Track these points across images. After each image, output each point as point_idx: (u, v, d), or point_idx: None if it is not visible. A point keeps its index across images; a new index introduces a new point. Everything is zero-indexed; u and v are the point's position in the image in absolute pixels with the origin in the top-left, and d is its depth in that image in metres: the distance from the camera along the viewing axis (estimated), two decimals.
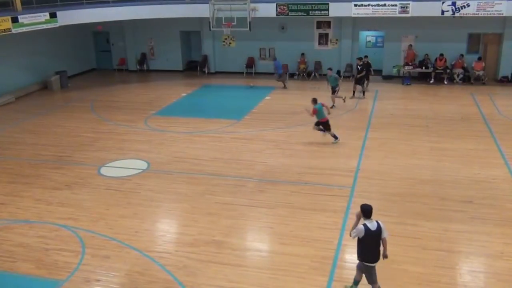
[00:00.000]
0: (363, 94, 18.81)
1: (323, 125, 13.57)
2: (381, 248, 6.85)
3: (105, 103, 19.20)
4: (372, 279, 6.91)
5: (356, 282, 7.21)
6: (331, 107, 17.12)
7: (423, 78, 21.27)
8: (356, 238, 6.72)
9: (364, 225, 6.63)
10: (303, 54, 22.42)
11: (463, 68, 20.81)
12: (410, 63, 21.20)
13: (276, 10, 20.41)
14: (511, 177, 11.26)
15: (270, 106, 18.11)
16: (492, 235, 8.78)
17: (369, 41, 23.73)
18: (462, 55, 20.77)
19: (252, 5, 20.01)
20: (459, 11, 18.77)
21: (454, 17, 19.16)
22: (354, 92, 18.80)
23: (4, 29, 16.62)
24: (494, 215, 9.52)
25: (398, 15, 19.36)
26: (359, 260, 6.91)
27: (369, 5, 19.40)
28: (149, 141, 14.41)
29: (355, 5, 19.53)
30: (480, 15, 18.77)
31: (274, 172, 11.89)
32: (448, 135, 14.17)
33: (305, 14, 20.29)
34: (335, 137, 13.63)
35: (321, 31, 22.47)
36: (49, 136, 15.18)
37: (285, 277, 7.74)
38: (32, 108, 18.60)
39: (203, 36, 23.70)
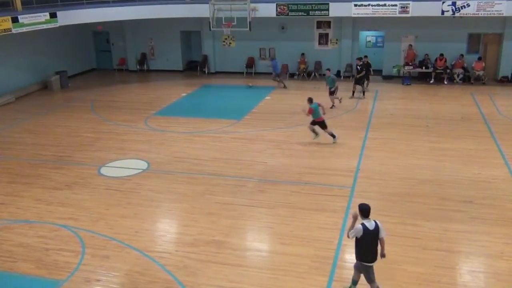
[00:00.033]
0: (363, 94, 18.81)
1: (320, 125, 13.55)
2: (379, 247, 6.85)
3: (105, 103, 19.20)
4: (370, 279, 6.92)
5: (355, 282, 7.22)
6: (331, 107, 17.15)
7: (423, 78, 21.27)
8: (354, 238, 6.72)
9: (362, 224, 6.64)
10: (303, 54, 22.42)
11: (463, 68, 20.81)
12: (410, 63, 21.20)
13: (276, 10, 20.42)
14: (511, 177, 11.26)
15: (270, 106, 18.11)
16: (492, 235, 8.78)
17: (369, 41, 23.73)
18: (462, 55, 20.78)
19: (252, 5, 20.02)
20: (459, 11, 18.77)
21: (454, 17, 19.16)
22: (353, 92, 18.79)
23: (4, 29, 16.63)
24: (494, 215, 9.52)
25: (398, 15, 19.37)
26: (357, 260, 6.92)
27: (369, 5, 19.40)
28: (149, 141, 14.42)
29: (355, 5, 19.54)
30: (480, 15, 18.77)
31: (274, 172, 11.89)
32: (448, 135, 14.17)
33: (305, 14, 20.30)
34: (333, 136, 13.61)
35: (321, 31, 22.48)
36: (49, 136, 15.19)
37: (285, 277, 7.74)
38: (32, 108, 18.61)
39: (203, 36, 23.71)
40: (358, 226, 6.64)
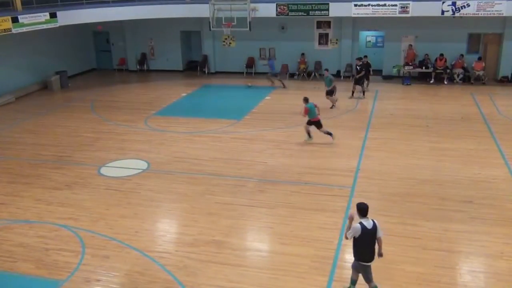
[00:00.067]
0: (363, 94, 18.81)
1: (315, 125, 13.54)
2: (376, 246, 6.86)
3: (105, 103, 19.20)
4: (368, 278, 6.95)
5: (354, 282, 7.22)
6: (331, 108, 17.15)
7: (423, 78, 21.27)
8: (352, 237, 6.72)
9: (360, 223, 6.65)
10: (303, 54, 22.42)
11: (463, 68, 20.81)
12: (410, 63, 21.20)
13: (276, 10, 20.42)
14: (511, 177, 11.26)
15: (270, 106, 18.11)
16: (492, 235, 8.78)
17: (369, 41, 23.74)
18: (462, 55, 20.78)
19: (252, 5, 20.02)
20: (459, 11, 18.77)
21: (454, 17, 19.16)
22: (353, 92, 18.79)
23: (4, 29, 16.63)
24: (494, 215, 9.53)
25: (398, 15, 19.37)
26: (355, 259, 6.93)
27: (369, 5, 19.41)
28: (149, 141, 14.42)
29: (355, 5, 19.54)
30: (480, 15, 18.77)
31: (274, 172, 11.89)
32: (448, 135, 14.18)
33: (305, 14, 20.30)
34: (329, 134, 13.59)
35: (321, 31, 22.48)
36: (49, 136, 15.19)
37: (285, 277, 7.74)
38: (32, 108, 18.61)
39: (203, 36, 23.71)
40: (356, 225, 6.64)
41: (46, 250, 8.69)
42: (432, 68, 20.89)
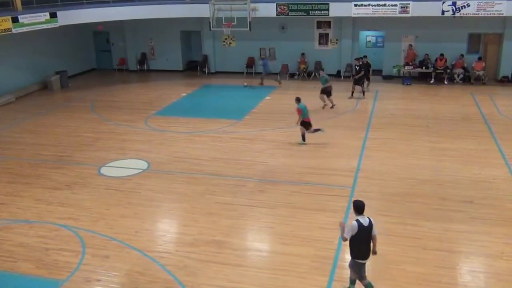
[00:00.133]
0: (363, 94, 18.80)
1: (305, 125, 13.52)
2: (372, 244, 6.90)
3: (105, 103, 19.20)
4: (361, 276, 6.98)
5: (353, 281, 7.23)
6: (331, 107, 17.15)
7: (423, 78, 21.27)
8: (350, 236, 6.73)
9: (357, 220, 6.67)
10: (303, 54, 22.41)
11: (463, 68, 20.81)
12: (410, 63, 21.20)
13: (276, 10, 20.41)
14: (511, 177, 11.26)
15: (270, 106, 18.11)
16: (493, 235, 8.78)
17: (369, 41, 23.73)
18: (462, 55, 20.77)
19: (252, 5, 20.02)
20: (459, 11, 18.77)
21: (454, 17, 19.16)
22: (352, 92, 18.79)
23: (5, 29, 16.63)
24: (494, 215, 9.52)
25: (398, 15, 19.36)
26: (351, 257, 6.95)
27: (369, 5, 19.40)
28: (149, 141, 14.42)
29: (355, 5, 19.53)
30: (480, 15, 18.77)
31: (274, 172, 11.89)
32: (448, 135, 14.17)
33: (305, 14, 20.29)
34: (318, 130, 13.55)
35: (321, 31, 22.47)
36: (49, 136, 15.18)
37: (285, 277, 7.74)
38: (32, 108, 18.60)
39: (203, 36, 23.71)
40: (353, 223, 6.67)
41: (46, 250, 8.69)
42: (432, 68, 20.88)
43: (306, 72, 22.42)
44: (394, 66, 21.96)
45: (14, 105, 19.12)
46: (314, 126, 13.63)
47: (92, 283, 7.75)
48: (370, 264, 7.86)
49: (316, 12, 20.10)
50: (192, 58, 25.60)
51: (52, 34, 20.86)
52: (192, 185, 11.23)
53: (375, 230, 6.82)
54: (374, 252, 6.97)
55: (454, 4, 18.69)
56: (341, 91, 19.20)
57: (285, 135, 14.53)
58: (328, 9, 19.85)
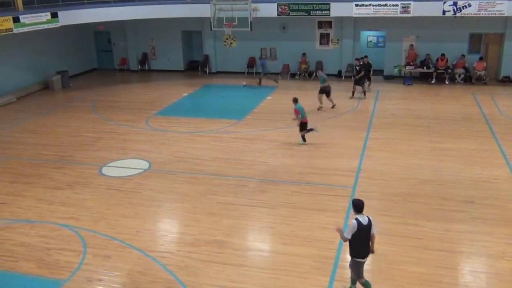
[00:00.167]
0: (364, 94, 18.79)
1: (301, 125, 13.53)
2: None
3: (106, 103, 19.21)
4: (359, 274, 7.00)
5: (354, 281, 7.24)
6: (332, 107, 17.14)
7: (424, 78, 21.25)
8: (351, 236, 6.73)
9: (356, 219, 6.68)
10: (304, 54, 22.41)
11: (464, 68, 20.79)
12: (412, 63, 21.18)
13: (277, 10, 20.41)
14: None
15: (272, 106, 18.11)
16: (494, 235, 8.77)
17: (370, 41, 23.70)
18: (463, 55, 20.75)
19: (253, 5, 20.01)
20: (461, 11, 18.75)
21: (455, 17, 19.14)
22: (353, 92, 18.77)
23: (6, 29, 16.64)
24: (495, 215, 9.52)
25: (399, 15, 19.35)
26: (351, 256, 6.96)
27: (370, 5, 19.38)
28: (150, 141, 14.42)
29: (356, 5, 19.51)
30: (481, 15, 18.75)
31: (275, 172, 11.89)
32: (449, 135, 14.16)
33: (306, 14, 20.29)
34: (311, 130, 13.55)
35: (322, 31, 22.47)
36: (50, 136, 15.20)
37: (286, 277, 7.74)
38: (33, 108, 18.62)
39: (204, 36, 23.71)
40: (353, 221, 6.68)
41: (48, 249, 8.70)
42: (433, 68, 20.86)
43: (307, 72, 22.41)
44: (395, 66, 21.95)
45: (15, 105, 19.14)
46: (309, 126, 13.67)
47: (94, 283, 7.76)
48: (371, 264, 7.89)
49: (317, 12, 20.09)
50: (193, 58, 25.61)
51: (53, 34, 20.88)
52: (193, 185, 11.23)
53: (374, 229, 6.84)
54: (372, 251, 6.99)
55: (455, 4, 18.68)
56: (342, 91, 19.20)
57: (286, 135, 14.52)
58: (329, 9, 19.84)
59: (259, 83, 21.06)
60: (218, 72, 24.10)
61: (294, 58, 22.74)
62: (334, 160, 12.51)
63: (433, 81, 20.92)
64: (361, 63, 18.77)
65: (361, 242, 6.76)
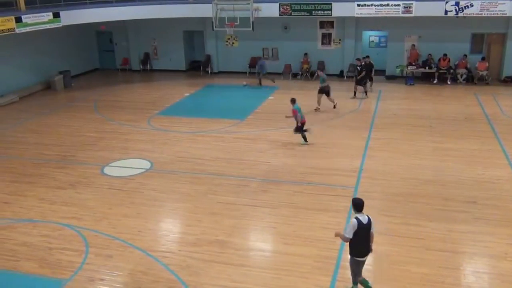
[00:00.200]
0: (366, 94, 18.78)
1: (300, 126, 13.53)
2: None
3: (108, 103, 19.23)
4: (358, 273, 7.00)
5: (355, 282, 7.21)
6: (333, 107, 17.13)
7: (426, 78, 21.23)
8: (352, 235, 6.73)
9: (356, 218, 6.68)
10: (306, 54, 22.40)
11: (466, 68, 20.75)
12: (414, 63, 21.16)
13: (279, 10, 20.40)
14: None
15: (274, 106, 18.10)
16: (496, 236, 8.76)
17: (372, 41, 23.67)
18: (465, 55, 20.71)
19: (255, 5, 20.02)
20: (463, 11, 18.73)
21: (457, 17, 19.11)
22: (355, 92, 18.76)
23: (8, 29, 16.67)
24: (498, 215, 9.50)
25: (401, 15, 19.33)
26: (351, 255, 6.95)
27: (372, 5, 19.37)
28: (152, 140, 14.43)
29: (358, 5, 19.51)
30: (483, 15, 18.72)
31: (277, 172, 11.88)
32: (451, 135, 14.14)
33: (308, 14, 20.28)
34: (305, 131, 13.57)
35: (324, 31, 22.47)
36: (52, 136, 15.22)
37: (288, 277, 7.74)
38: (35, 108, 18.65)
39: (206, 36, 23.73)
40: (353, 220, 6.68)
41: (50, 249, 8.71)
42: (435, 68, 20.84)
43: (309, 72, 22.40)
44: (397, 66, 21.91)
45: (17, 105, 19.17)
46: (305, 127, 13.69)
47: (95, 283, 7.76)
48: (373, 264, 7.89)
49: (319, 12, 20.09)
50: (195, 58, 25.62)
51: (55, 34, 20.92)
52: (195, 185, 11.23)
53: (373, 228, 6.85)
54: (370, 250, 7.00)
55: (457, 4, 18.65)
56: (343, 91, 19.19)
57: (288, 135, 14.49)
58: (331, 9, 19.84)
59: (260, 83, 21.05)
60: (220, 72, 24.11)
61: (296, 58, 22.74)
62: (336, 160, 12.50)
63: (435, 81, 20.89)
64: (362, 63, 18.76)
65: (361, 241, 6.76)
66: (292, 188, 10.94)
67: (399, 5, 19.13)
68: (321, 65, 22.40)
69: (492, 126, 14.93)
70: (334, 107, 17.13)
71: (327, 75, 17.64)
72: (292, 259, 8.21)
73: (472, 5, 18.56)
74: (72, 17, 19.32)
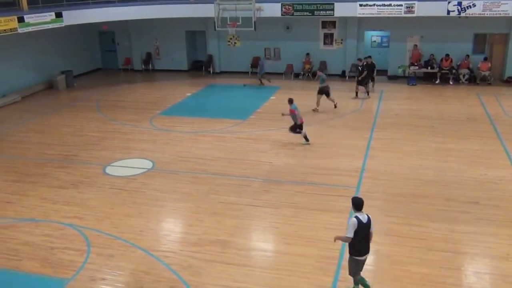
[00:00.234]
0: (367, 94, 18.76)
1: (299, 126, 13.54)
2: None
3: (110, 102, 19.26)
4: (356, 271, 7.00)
5: (357, 282, 7.21)
6: (334, 107, 17.12)
7: (428, 79, 21.20)
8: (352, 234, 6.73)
9: (356, 217, 6.69)
10: (308, 54, 22.40)
11: (469, 68, 20.71)
12: (416, 63, 21.13)
13: (281, 10, 20.40)
14: None
15: (276, 106, 18.04)
16: (498, 236, 8.74)
17: (375, 41, 23.67)
18: (468, 55, 20.67)
19: (257, 5, 20.01)
20: (465, 11, 18.69)
21: (460, 17, 19.08)
22: (356, 92, 18.74)
23: (11, 29, 16.70)
24: (500, 216, 9.48)
25: (403, 15, 19.31)
26: (350, 254, 6.95)
27: (374, 5, 19.35)
28: (154, 140, 14.45)
29: (360, 5, 19.49)
30: (486, 15, 18.68)
31: (279, 172, 11.88)
32: (453, 136, 14.12)
33: (310, 14, 20.27)
34: (299, 132, 13.60)
35: (326, 31, 22.45)
36: (54, 135, 15.25)
37: (289, 277, 7.73)
38: (38, 108, 18.69)
39: (208, 36, 23.74)
40: (353, 219, 6.69)
41: (52, 248, 8.73)
42: (437, 69, 20.81)
43: (311, 72, 22.38)
44: (399, 66, 21.89)
45: (20, 105, 19.21)
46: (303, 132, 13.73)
47: (97, 282, 7.78)
48: (374, 265, 7.89)
49: (321, 12, 20.07)
50: (197, 58, 25.63)
51: (58, 34, 20.95)
52: (197, 185, 11.24)
53: (373, 227, 6.86)
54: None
55: (459, 4, 18.61)
56: (345, 91, 19.18)
57: (290, 135, 14.47)
58: (333, 9, 19.82)
59: (261, 84, 21.05)
60: (222, 72, 24.12)
61: (298, 58, 22.73)
62: (338, 160, 12.49)
63: (437, 82, 20.86)
64: (364, 63, 18.74)
65: (360, 240, 6.76)
66: (294, 188, 10.94)
67: (401, 5, 19.11)
68: (323, 65, 22.39)
69: (494, 127, 14.90)
70: (335, 107, 17.12)
71: (329, 75, 17.65)
72: (294, 259, 8.21)
73: (474, 5, 18.53)
74: (75, 17, 19.36)
